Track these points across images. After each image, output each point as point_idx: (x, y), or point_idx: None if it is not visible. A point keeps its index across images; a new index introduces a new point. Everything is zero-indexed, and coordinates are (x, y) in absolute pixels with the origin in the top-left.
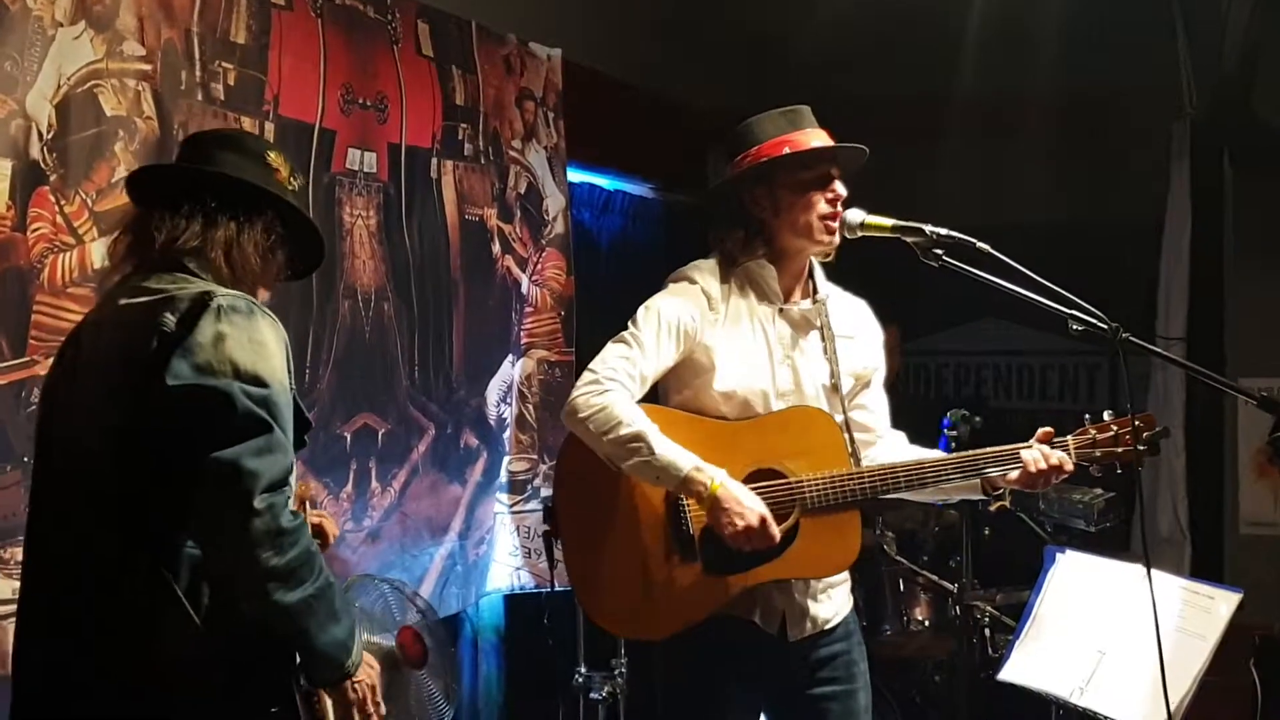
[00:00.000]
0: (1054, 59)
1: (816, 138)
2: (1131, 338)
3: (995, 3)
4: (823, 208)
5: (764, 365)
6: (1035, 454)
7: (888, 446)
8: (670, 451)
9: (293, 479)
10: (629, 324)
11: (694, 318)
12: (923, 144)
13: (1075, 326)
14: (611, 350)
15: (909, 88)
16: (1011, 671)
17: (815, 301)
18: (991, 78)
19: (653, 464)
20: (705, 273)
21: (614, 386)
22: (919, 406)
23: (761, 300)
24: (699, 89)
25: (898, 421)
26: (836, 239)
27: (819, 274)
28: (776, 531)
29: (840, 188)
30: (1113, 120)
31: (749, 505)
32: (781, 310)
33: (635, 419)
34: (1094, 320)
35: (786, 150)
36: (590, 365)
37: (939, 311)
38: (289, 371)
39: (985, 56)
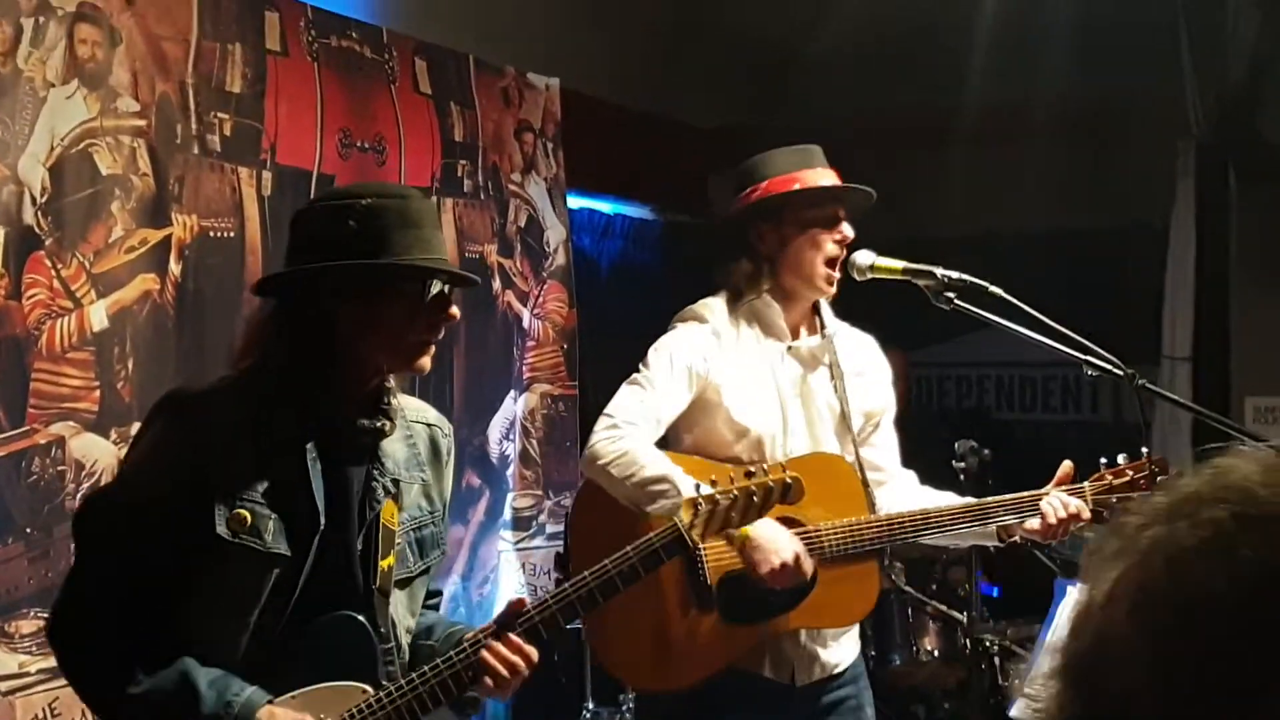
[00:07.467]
0: (1059, 72)
1: (826, 177)
2: (1148, 385)
3: (1001, 16)
4: (829, 248)
5: (774, 404)
6: (1055, 502)
7: (899, 488)
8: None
9: None
10: (640, 366)
11: (705, 358)
12: (928, 155)
13: (1090, 372)
14: (626, 394)
15: (914, 100)
16: (1022, 708)
17: (823, 338)
18: (997, 89)
19: (680, 505)
20: (714, 311)
21: (632, 431)
22: (921, 419)
23: (769, 337)
24: (697, 109)
25: (901, 434)
26: (834, 289)
27: (826, 310)
28: (810, 566)
29: (848, 229)
30: (1117, 132)
31: (783, 543)
32: (790, 348)
33: (658, 462)
34: (1109, 366)
35: (796, 186)
36: (606, 410)
37: (939, 323)
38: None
39: (991, 69)
